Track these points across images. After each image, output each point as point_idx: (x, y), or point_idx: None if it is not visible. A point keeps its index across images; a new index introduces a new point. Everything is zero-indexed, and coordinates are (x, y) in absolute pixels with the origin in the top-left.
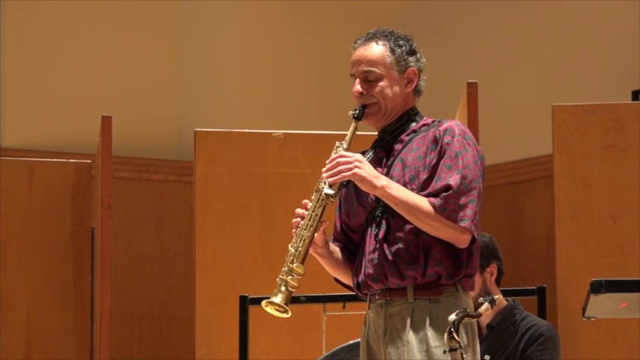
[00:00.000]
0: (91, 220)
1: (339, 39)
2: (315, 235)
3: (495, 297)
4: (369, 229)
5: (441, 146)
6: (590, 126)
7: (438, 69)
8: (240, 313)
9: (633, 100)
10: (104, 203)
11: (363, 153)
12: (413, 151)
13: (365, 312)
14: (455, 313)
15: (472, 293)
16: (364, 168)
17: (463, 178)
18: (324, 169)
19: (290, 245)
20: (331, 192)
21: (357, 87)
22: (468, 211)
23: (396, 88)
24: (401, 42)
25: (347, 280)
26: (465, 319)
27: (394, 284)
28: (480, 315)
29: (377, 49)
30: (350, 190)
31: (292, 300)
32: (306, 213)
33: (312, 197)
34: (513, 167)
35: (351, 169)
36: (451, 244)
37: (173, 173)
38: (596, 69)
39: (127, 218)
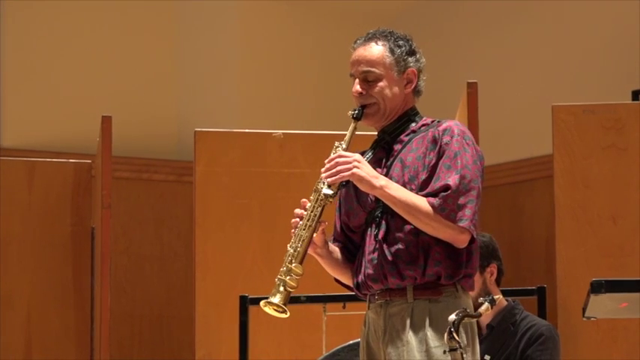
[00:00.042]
0: (91, 220)
1: (339, 39)
2: (314, 235)
3: (495, 297)
4: (369, 229)
5: (440, 146)
6: (590, 126)
7: (438, 69)
8: (240, 313)
9: (633, 100)
10: (104, 203)
11: (363, 153)
12: (412, 151)
13: (365, 312)
14: (455, 313)
15: (472, 293)
16: (363, 168)
17: (462, 178)
18: (323, 169)
19: (289, 245)
20: (330, 192)
21: (357, 87)
22: (467, 211)
23: (396, 89)
24: (400, 42)
25: (347, 280)
26: (465, 319)
27: (394, 284)
28: (480, 315)
29: (376, 50)
30: (350, 190)
31: (292, 300)
32: (305, 213)
33: (311, 197)
34: (513, 167)
35: (350, 169)
36: (451, 244)
37: (173, 173)
38: (596, 69)
39: (127, 218)
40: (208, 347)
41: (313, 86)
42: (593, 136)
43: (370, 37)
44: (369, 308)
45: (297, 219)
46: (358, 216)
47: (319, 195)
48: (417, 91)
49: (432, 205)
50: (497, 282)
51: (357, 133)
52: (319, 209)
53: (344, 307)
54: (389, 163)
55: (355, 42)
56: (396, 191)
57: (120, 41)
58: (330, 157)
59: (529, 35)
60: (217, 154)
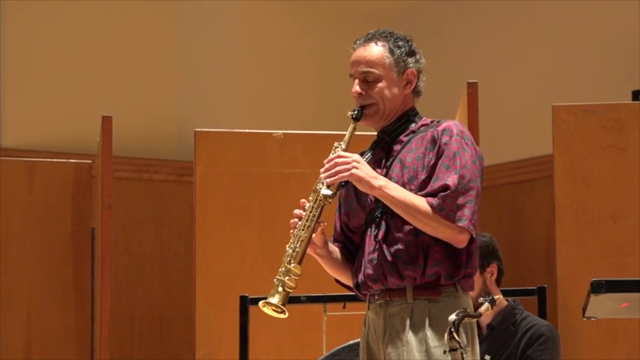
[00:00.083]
0: (92, 220)
1: (339, 39)
2: (313, 235)
3: (495, 297)
4: (369, 229)
5: (439, 146)
6: (590, 126)
7: (438, 69)
8: (241, 313)
9: (633, 100)
10: (104, 203)
11: (362, 154)
12: (412, 151)
13: (365, 312)
14: (455, 313)
15: (472, 293)
16: (362, 168)
17: (461, 178)
18: (321, 170)
19: (287, 246)
20: (329, 193)
21: (356, 88)
22: (466, 211)
23: (395, 89)
24: (400, 43)
25: (347, 280)
26: (465, 319)
27: (393, 284)
28: (480, 315)
29: (376, 50)
30: (350, 190)
31: (292, 300)
32: (304, 214)
33: (310, 198)
34: (513, 167)
35: (348, 169)
36: (450, 244)
37: (173, 173)
38: (596, 69)
39: (127, 218)
40: (208, 347)
41: (313, 86)
42: (593, 136)
43: (370, 38)
44: (368, 308)
45: (296, 219)
46: (358, 216)
47: (318, 195)
48: (416, 92)
49: (431, 205)
50: (498, 282)
51: (356, 133)
52: (318, 210)
53: (344, 307)
54: (388, 163)
55: (355, 42)
56: (395, 191)
57: (120, 41)
58: (329, 158)
59: (529, 35)
60: (217, 154)
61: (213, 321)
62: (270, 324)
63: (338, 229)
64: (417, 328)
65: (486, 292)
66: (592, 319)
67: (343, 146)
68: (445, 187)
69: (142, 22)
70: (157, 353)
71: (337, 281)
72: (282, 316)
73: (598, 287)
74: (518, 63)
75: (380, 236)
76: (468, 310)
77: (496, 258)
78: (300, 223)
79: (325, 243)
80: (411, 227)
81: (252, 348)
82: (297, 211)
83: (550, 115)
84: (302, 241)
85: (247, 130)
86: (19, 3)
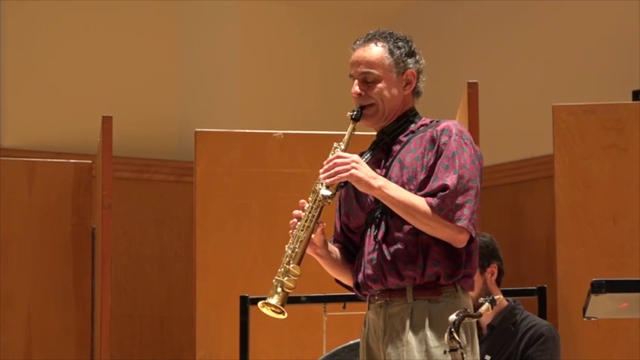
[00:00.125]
0: (92, 220)
1: (339, 39)
2: (312, 236)
3: (496, 297)
4: (369, 230)
5: (438, 146)
6: (590, 126)
7: (438, 69)
8: (241, 313)
9: (634, 100)
10: (104, 203)
11: (361, 154)
12: (411, 151)
13: (365, 312)
14: (455, 313)
15: (472, 293)
16: (361, 169)
17: (460, 177)
18: (321, 171)
19: (287, 246)
20: (328, 193)
21: (356, 88)
22: (466, 211)
23: (394, 90)
24: (400, 43)
25: (347, 280)
26: (465, 319)
27: (393, 285)
28: (481, 315)
29: (376, 51)
30: (349, 191)
31: (293, 300)
32: (303, 214)
33: (309, 198)
34: (514, 167)
35: (348, 169)
36: (450, 244)
37: (173, 173)
38: (596, 69)
39: (127, 218)
40: (209, 347)
41: (313, 86)
42: (593, 136)
43: (370, 38)
44: (369, 309)
45: (295, 220)
46: (358, 217)
47: (317, 196)
48: (416, 93)
49: (431, 205)
50: (498, 282)
51: (356, 133)
52: (317, 210)
53: (344, 307)
54: (388, 163)
55: (355, 43)
56: (395, 191)
57: (120, 41)
58: (328, 159)
59: (529, 35)
60: (218, 155)
61: (213, 321)
62: (270, 324)
63: (338, 229)
64: (417, 329)
65: (487, 292)
66: (592, 319)
67: (342, 147)
68: (444, 187)
69: (142, 22)
70: (157, 353)
71: (337, 281)
72: (281, 316)
73: (598, 287)
74: (519, 63)
75: (380, 236)
76: (468, 310)
77: (496, 258)
78: (299, 223)
79: (325, 243)
80: (411, 227)
81: (253, 348)
82: (296, 212)
83: (550, 115)
84: (301, 241)
85: (247, 130)
86: (19, 3)
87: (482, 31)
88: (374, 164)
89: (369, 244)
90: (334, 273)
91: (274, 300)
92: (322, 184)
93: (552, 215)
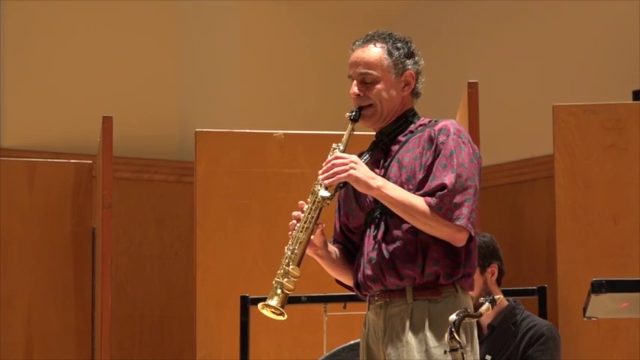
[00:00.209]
0: (92, 220)
1: (339, 39)
2: (312, 237)
3: (496, 297)
4: (368, 230)
5: (436, 145)
6: (590, 126)
7: (438, 69)
8: (241, 314)
9: (634, 100)
10: (105, 203)
11: (360, 155)
12: (409, 151)
13: (365, 312)
14: (455, 313)
15: (473, 293)
16: (360, 169)
17: (458, 176)
18: (320, 172)
19: (286, 248)
20: (327, 194)
21: (354, 89)
22: (464, 210)
23: (393, 91)
24: (399, 44)
25: (347, 280)
26: (466, 319)
27: (393, 285)
28: (481, 315)
29: (374, 52)
30: (349, 191)
31: (293, 300)
32: (302, 215)
33: (308, 199)
34: (514, 167)
35: (346, 170)
36: (449, 243)
37: (174, 173)
38: (597, 69)
39: (127, 218)
40: (209, 347)
41: (313, 86)
42: (593, 136)
43: (369, 39)
44: (368, 309)
45: (294, 221)
46: (357, 217)
47: (316, 197)
48: (415, 93)
49: (429, 205)
50: (498, 282)
51: (355, 133)
52: (316, 211)
53: (345, 307)
54: (387, 163)
55: (354, 43)
56: (393, 191)
57: (120, 41)
58: (327, 159)
59: (529, 35)
60: (218, 155)
61: (213, 321)
62: (270, 324)
63: (337, 229)
64: (416, 329)
65: (487, 292)
66: (592, 319)
67: (341, 147)
68: (442, 186)
69: (142, 22)
70: (157, 353)
71: (338, 281)
72: (281, 318)
73: (598, 287)
74: (519, 63)
75: (379, 236)
76: (469, 310)
77: (497, 258)
78: (298, 225)
79: (325, 244)
80: (410, 226)
81: (253, 348)
82: (295, 213)
83: (550, 115)
84: (300, 242)
85: (247, 130)
86: (19, 3)
87: (482, 31)
88: (373, 164)
89: (368, 244)
90: (334, 273)
91: (274, 302)
92: (321, 185)
93: (552, 215)
